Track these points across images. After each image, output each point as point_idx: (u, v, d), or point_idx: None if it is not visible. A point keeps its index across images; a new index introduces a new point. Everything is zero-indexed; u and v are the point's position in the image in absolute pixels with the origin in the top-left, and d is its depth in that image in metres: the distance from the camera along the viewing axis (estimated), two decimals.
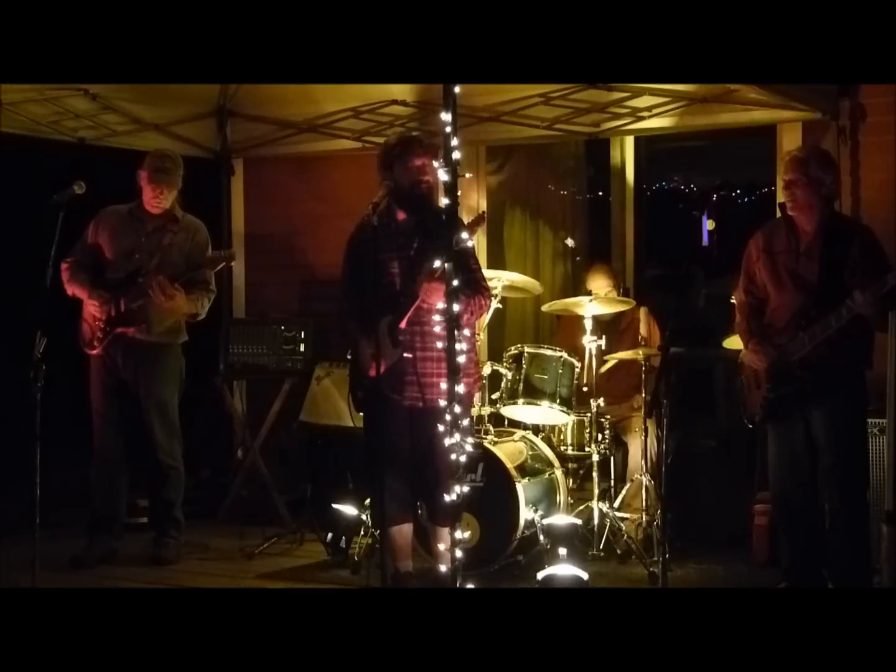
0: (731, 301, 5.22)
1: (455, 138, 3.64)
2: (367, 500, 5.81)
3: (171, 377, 5.95)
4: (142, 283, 5.71)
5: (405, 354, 4.92)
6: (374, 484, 5.08)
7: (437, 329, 4.82)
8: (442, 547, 4.88)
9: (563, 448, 6.14)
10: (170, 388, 5.94)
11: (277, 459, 7.06)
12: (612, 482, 6.14)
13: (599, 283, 6.40)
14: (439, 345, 4.81)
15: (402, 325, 4.90)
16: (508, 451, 5.79)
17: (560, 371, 5.94)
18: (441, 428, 4.65)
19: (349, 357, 5.25)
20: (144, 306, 5.74)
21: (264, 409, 7.02)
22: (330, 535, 5.94)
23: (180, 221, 5.94)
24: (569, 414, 5.98)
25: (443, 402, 4.82)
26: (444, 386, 4.86)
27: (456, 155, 3.63)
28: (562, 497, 5.94)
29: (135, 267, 5.78)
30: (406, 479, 5.00)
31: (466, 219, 6.77)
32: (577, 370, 6.02)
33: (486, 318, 6.19)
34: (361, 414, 5.16)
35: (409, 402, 4.96)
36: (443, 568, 4.25)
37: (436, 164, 3.74)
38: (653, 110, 6.33)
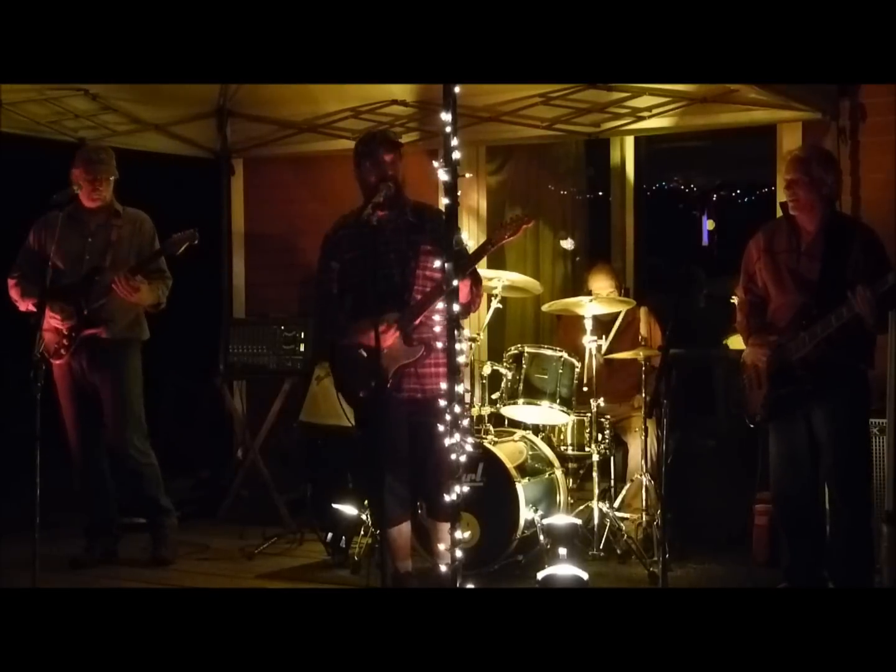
0: (732, 301, 5.22)
1: (455, 138, 3.64)
2: (367, 501, 5.82)
3: (136, 374, 5.89)
4: (99, 281, 5.65)
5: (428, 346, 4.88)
6: (372, 484, 5.08)
7: (436, 320, 4.81)
8: (442, 546, 4.86)
9: (563, 448, 6.13)
10: (137, 386, 5.89)
11: (277, 459, 7.06)
12: (612, 482, 6.14)
13: (601, 284, 6.39)
14: (438, 340, 4.80)
15: (417, 321, 4.86)
16: (508, 451, 5.78)
17: (560, 371, 5.94)
18: (439, 422, 4.65)
19: (332, 354, 5.16)
20: (106, 305, 5.68)
21: (264, 409, 7.02)
22: (330, 535, 5.94)
23: (122, 215, 5.86)
24: (569, 414, 5.97)
25: (442, 394, 4.83)
26: (442, 379, 4.86)
27: (456, 155, 3.63)
28: (562, 497, 5.94)
29: (88, 268, 5.70)
30: (404, 477, 4.98)
31: (465, 218, 6.77)
32: (577, 370, 6.02)
33: (487, 317, 6.19)
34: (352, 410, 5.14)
35: (407, 395, 4.93)
36: (443, 567, 4.24)
37: (435, 163, 3.74)
38: (653, 110, 6.33)
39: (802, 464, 4.89)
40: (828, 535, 4.92)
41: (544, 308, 6.46)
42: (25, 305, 5.68)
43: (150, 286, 5.74)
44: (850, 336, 4.68)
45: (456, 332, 3.70)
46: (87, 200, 5.75)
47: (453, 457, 3.75)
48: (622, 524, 5.89)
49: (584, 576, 5.02)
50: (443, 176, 3.66)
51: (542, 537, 5.56)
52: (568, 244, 7.33)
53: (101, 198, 5.77)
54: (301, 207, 7.74)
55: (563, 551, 5.25)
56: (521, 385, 5.92)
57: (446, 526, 4.86)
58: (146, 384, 5.93)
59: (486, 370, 5.95)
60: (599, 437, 5.99)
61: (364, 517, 5.81)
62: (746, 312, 5.05)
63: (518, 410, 6.04)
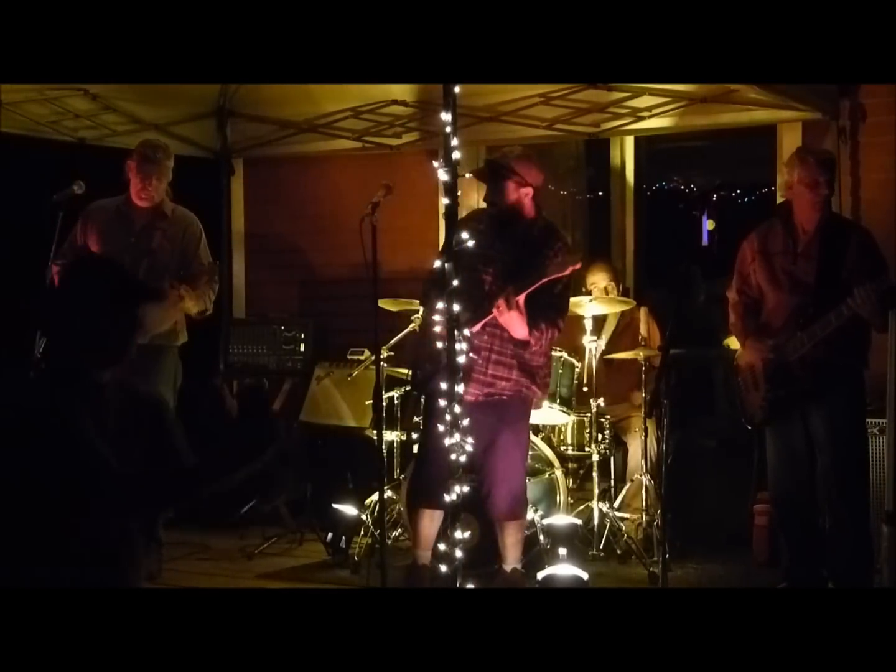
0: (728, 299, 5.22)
1: (455, 138, 3.64)
2: (370, 500, 5.83)
3: (167, 381, 5.69)
4: None
5: (478, 354, 4.95)
6: (414, 466, 5.20)
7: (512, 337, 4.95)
8: (510, 541, 5.04)
9: (563, 448, 6.14)
10: (165, 394, 5.58)
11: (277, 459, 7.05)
12: (612, 482, 6.14)
13: (599, 277, 6.40)
14: (509, 350, 4.98)
15: (475, 328, 4.89)
16: None
17: (560, 371, 5.94)
18: (503, 423, 4.77)
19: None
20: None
21: None
22: (330, 535, 5.94)
23: (170, 217, 5.73)
24: (569, 414, 5.98)
25: (510, 394, 4.97)
26: (507, 383, 4.94)
27: (456, 155, 3.63)
28: (562, 497, 5.93)
29: None
30: (447, 470, 5.00)
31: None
32: (577, 370, 6.02)
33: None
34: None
35: (469, 398, 4.96)
36: (443, 567, 4.24)
37: (435, 163, 3.74)
38: (653, 110, 6.34)
39: (800, 464, 4.89)
40: (827, 535, 4.92)
41: None
42: None
43: (196, 294, 5.55)
44: (846, 336, 4.69)
45: (456, 331, 3.70)
46: (135, 197, 5.66)
47: (453, 457, 3.75)
48: (622, 524, 5.90)
49: (584, 576, 5.03)
50: (443, 176, 3.66)
51: (542, 537, 5.56)
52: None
53: (149, 198, 5.65)
54: (301, 207, 7.75)
55: (563, 551, 5.26)
56: None
57: (513, 524, 4.98)
58: None
59: None
60: (599, 437, 5.99)
61: (364, 517, 5.82)
62: (741, 314, 5.05)
63: None
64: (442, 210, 4.01)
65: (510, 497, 5.02)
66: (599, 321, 6.34)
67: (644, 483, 5.90)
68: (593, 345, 6.06)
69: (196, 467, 3.06)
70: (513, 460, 5.02)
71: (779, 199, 5.97)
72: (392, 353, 6.04)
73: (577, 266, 4.96)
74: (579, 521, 5.76)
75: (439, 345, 4.19)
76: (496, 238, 5.02)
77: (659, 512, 5.51)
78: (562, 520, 5.61)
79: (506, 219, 5.08)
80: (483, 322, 4.93)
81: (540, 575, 5.08)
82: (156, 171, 5.63)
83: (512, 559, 5.13)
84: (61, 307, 3.01)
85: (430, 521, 5.09)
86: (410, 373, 5.22)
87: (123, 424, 2.97)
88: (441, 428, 4.76)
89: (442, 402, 3.67)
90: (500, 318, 4.86)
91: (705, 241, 10.61)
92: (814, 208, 4.80)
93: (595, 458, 5.93)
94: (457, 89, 3.62)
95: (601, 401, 5.99)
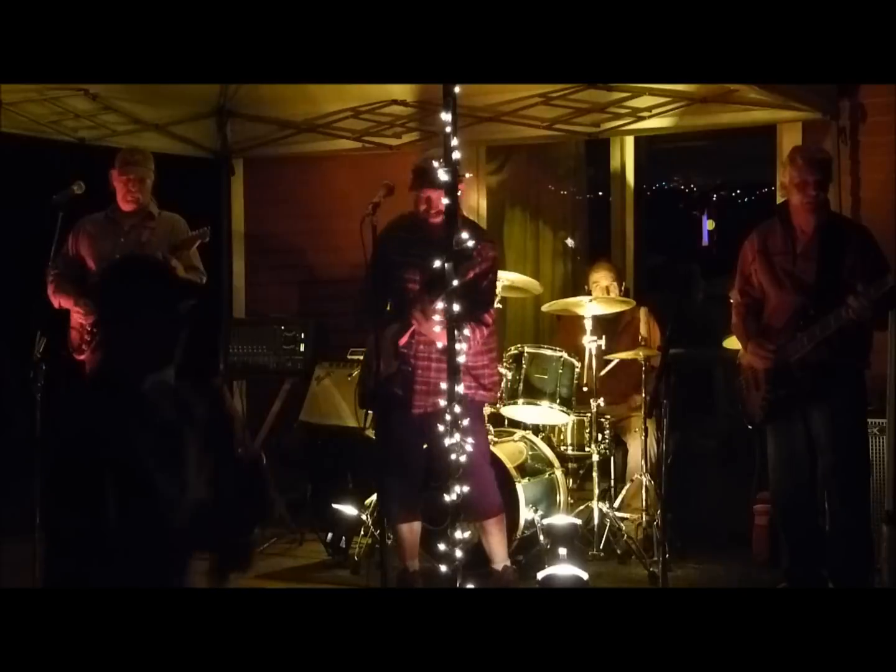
0: (730, 300, 5.22)
1: (455, 138, 3.64)
2: (370, 500, 5.83)
3: None
4: None
5: (408, 366, 5.02)
6: (380, 484, 5.23)
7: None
8: (494, 539, 5.12)
9: (563, 448, 6.14)
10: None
11: (277, 459, 7.06)
12: (612, 482, 6.14)
13: (601, 275, 6.41)
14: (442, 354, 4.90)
15: (402, 341, 4.97)
16: (508, 451, 5.78)
17: (560, 371, 5.94)
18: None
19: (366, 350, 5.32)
20: None
21: (264, 409, 7.02)
22: (330, 535, 5.94)
23: (157, 218, 5.82)
24: (569, 414, 5.97)
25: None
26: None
27: (456, 155, 3.63)
28: (562, 497, 5.94)
29: None
30: (415, 482, 5.07)
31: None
32: (577, 370, 6.02)
33: None
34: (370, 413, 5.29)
35: (419, 411, 5.01)
36: (443, 567, 4.25)
37: (435, 163, 3.74)
38: (653, 110, 6.33)
39: (801, 465, 4.89)
40: (827, 536, 4.92)
41: (544, 308, 6.46)
42: (57, 302, 5.67)
43: (184, 272, 5.61)
44: (847, 337, 4.68)
45: (456, 332, 3.70)
46: (121, 202, 5.74)
47: (453, 457, 3.75)
48: (622, 524, 5.89)
49: (584, 576, 5.02)
50: (443, 176, 3.66)
51: (542, 537, 5.56)
52: (570, 242, 7.34)
53: (135, 199, 5.72)
54: (301, 207, 7.74)
55: (563, 551, 5.25)
56: (521, 385, 5.92)
57: (492, 522, 5.12)
58: None
59: None
60: (599, 437, 5.99)
61: (364, 517, 5.82)
62: (742, 316, 5.04)
63: (518, 410, 6.03)
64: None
65: (480, 497, 4.96)
66: (603, 322, 6.33)
67: (644, 483, 5.89)
68: (593, 345, 6.06)
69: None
70: (474, 462, 4.96)
71: (779, 200, 5.96)
72: None
73: (494, 254, 5.08)
74: (579, 521, 5.76)
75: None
76: (415, 243, 5.01)
77: (659, 512, 5.51)
78: (562, 520, 5.61)
79: (417, 223, 5.10)
80: (409, 332, 4.99)
81: (540, 575, 5.07)
82: (138, 173, 5.71)
83: (500, 557, 5.15)
84: (108, 310, 2.93)
85: (410, 532, 5.19)
86: (359, 391, 5.37)
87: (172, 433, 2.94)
88: (395, 439, 4.87)
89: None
90: (421, 328, 4.89)
91: (705, 241, 10.63)
92: (804, 208, 4.77)
93: (595, 458, 5.93)
94: (457, 89, 3.62)
95: (601, 401, 5.99)
